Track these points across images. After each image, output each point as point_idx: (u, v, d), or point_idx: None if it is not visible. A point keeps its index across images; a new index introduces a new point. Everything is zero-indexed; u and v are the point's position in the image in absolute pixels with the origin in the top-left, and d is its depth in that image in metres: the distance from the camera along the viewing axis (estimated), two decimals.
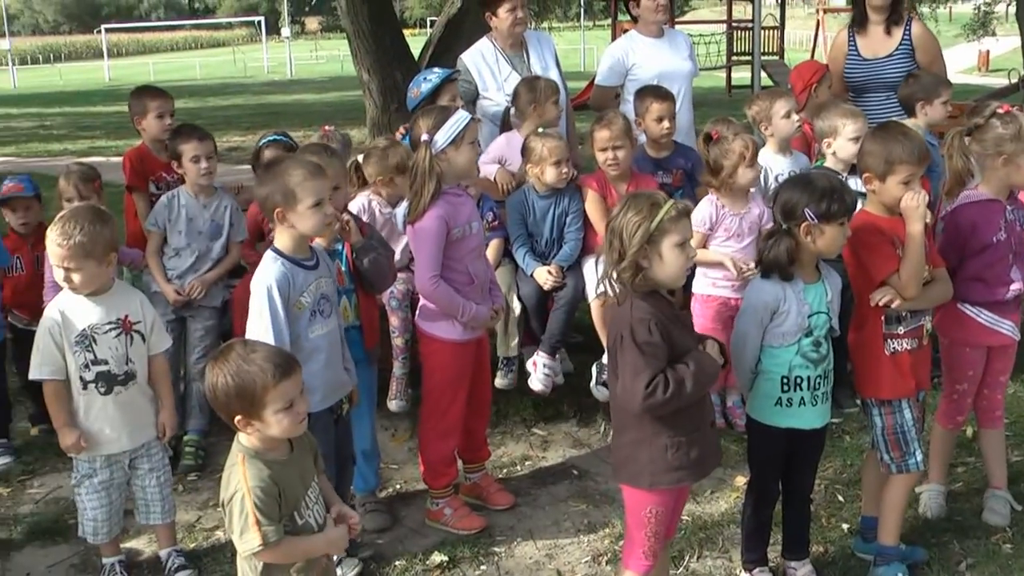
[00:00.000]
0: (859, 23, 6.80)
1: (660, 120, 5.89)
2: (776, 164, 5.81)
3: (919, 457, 4.09)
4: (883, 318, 3.98)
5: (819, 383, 3.90)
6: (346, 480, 4.44)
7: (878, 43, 6.69)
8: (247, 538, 3.04)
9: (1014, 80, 11.25)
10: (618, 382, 3.45)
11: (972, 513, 4.66)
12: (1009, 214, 4.37)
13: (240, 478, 3.06)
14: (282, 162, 3.96)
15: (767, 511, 4.15)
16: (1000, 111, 4.34)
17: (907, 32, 6.63)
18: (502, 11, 6.42)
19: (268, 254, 3.92)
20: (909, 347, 4.03)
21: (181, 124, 6.04)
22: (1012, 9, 19.30)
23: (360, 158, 5.45)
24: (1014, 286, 4.37)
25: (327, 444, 4.01)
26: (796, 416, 3.92)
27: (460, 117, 4.47)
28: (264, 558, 3.11)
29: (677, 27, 7.23)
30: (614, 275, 3.44)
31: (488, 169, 5.97)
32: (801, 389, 3.89)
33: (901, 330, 4.00)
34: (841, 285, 4.03)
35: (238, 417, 3.07)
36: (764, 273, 3.88)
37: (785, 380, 3.88)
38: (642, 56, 6.74)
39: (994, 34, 27.76)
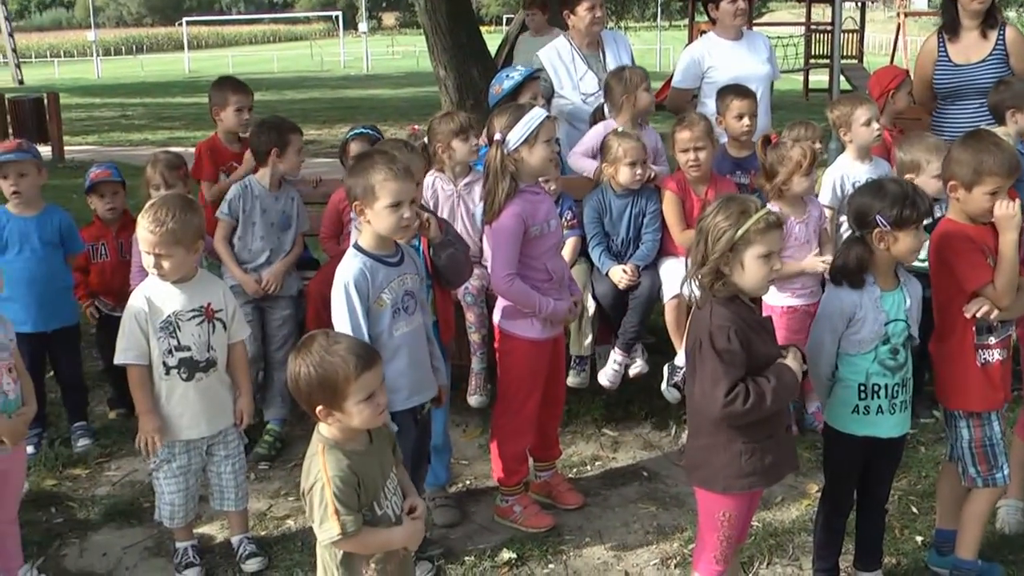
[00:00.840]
0: (950, 28, 6.64)
1: (740, 117, 5.87)
2: (854, 171, 5.72)
3: (1006, 471, 4.01)
4: (974, 328, 3.89)
5: (897, 391, 3.82)
6: (420, 478, 4.42)
7: (971, 48, 6.55)
8: (326, 527, 3.08)
9: None
10: (696, 387, 3.44)
11: None
12: None
13: (320, 468, 3.10)
14: (371, 157, 3.95)
15: (840, 520, 4.08)
16: None
17: (1001, 37, 6.49)
18: (581, 9, 6.43)
19: (350, 250, 3.96)
20: (1000, 357, 3.95)
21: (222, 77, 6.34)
22: None
23: (426, 139, 5.45)
24: None
25: (406, 445, 4.02)
26: (874, 424, 3.85)
27: (534, 116, 4.44)
28: (343, 547, 3.15)
29: (755, 29, 7.17)
30: (696, 277, 3.44)
31: (582, 163, 5.97)
32: (879, 397, 3.81)
33: (992, 340, 3.92)
34: (921, 293, 3.95)
35: (319, 407, 3.11)
36: (835, 280, 3.82)
37: (862, 388, 3.82)
38: (719, 58, 6.71)
39: None
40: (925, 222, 5.05)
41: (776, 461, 3.54)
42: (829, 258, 5.15)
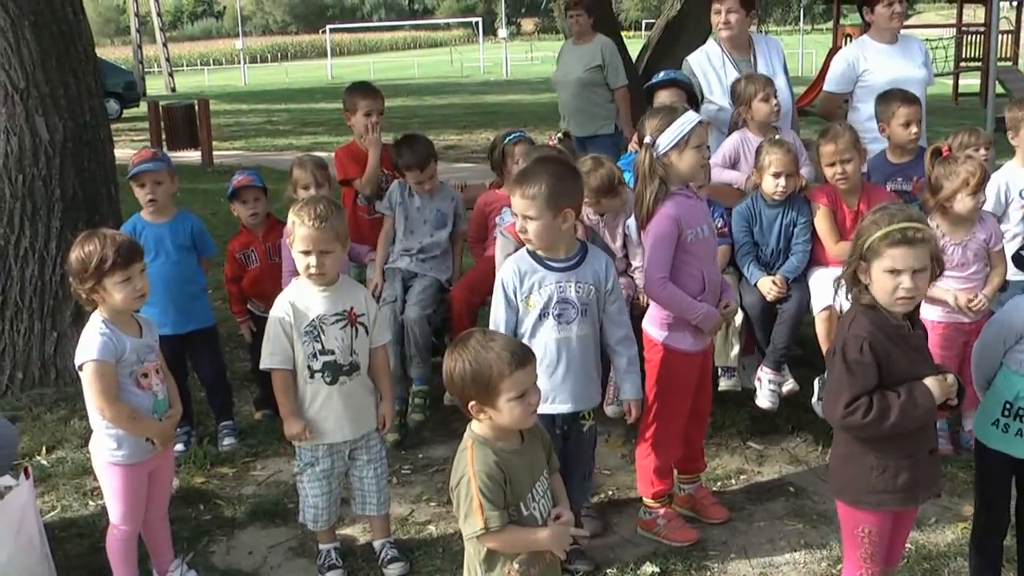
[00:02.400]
0: None
1: (907, 125, 5.68)
2: (1020, 178, 5.49)
3: None
4: None
5: None
6: (578, 494, 4.41)
7: None
8: (470, 522, 3.08)
9: None
10: (826, 393, 3.42)
11: None
12: None
13: (467, 463, 3.10)
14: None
15: (993, 541, 3.90)
16: None
17: None
18: (880, 6, 6.46)
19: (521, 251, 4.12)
20: None
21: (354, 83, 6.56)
22: None
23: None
24: None
25: None
26: (1010, 444, 3.69)
27: (686, 120, 4.35)
28: (486, 543, 3.13)
29: (903, 31, 6.94)
30: (843, 281, 3.42)
31: (720, 174, 5.87)
32: (1021, 421, 3.63)
33: None
34: None
35: (472, 403, 3.11)
36: None
37: (1008, 406, 3.66)
38: (874, 63, 6.51)
39: None
40: None
41: (913, 481, 3.41)
42: (972, 296, 5.01)
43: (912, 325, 3.41)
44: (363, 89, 6.43)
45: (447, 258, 6.04)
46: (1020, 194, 5.50)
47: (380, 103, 6.34)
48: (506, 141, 5.87)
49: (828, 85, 6.88)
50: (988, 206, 5.34)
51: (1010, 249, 5.38)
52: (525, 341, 3.97)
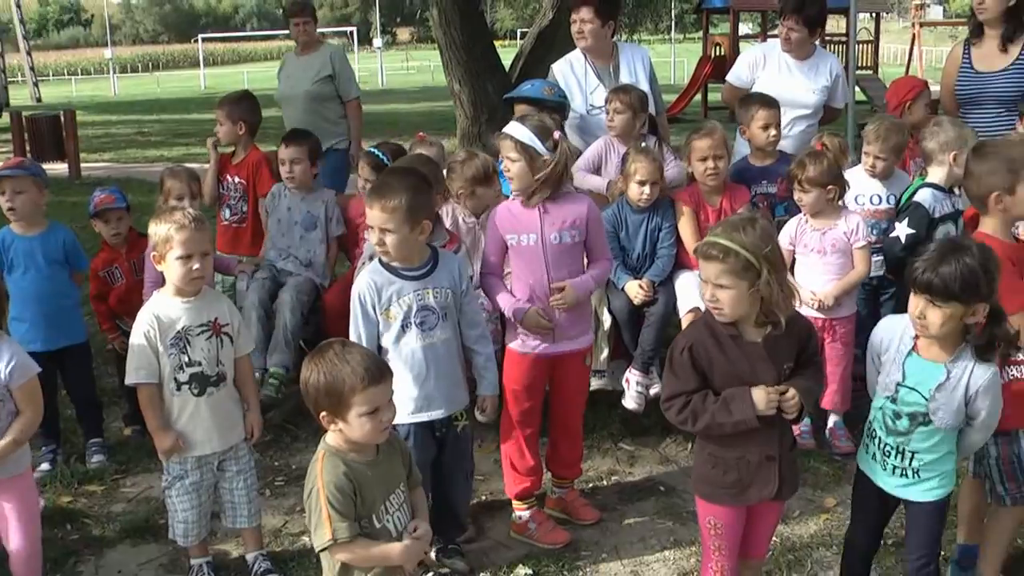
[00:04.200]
0: (975, 35, 6.64)
1: (766, 127, 5.84)
2: (865, 185, 5.71)
3: None
4: None
5: (889, 452, 3.60)
6: (463, 495, 4.53)
7: (994, 56, 6.52)
8: (319, 533, 3.10)
9: None
10: None
11: None
12: None
13: (317, 474, 3.13)
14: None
15: (854, 555, 3.92)
16: None
17: None
18: (780, 23, 6.64)
19: (374, 261, 4.11)
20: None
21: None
22: None
23: (445, 172, 5.50)
24: None
25: (420, 459, 4.03)
26: (868, 465, 3.73)
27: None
28: (336, 555, 3.15)
29: (769, 41, 7.09)
30: None
31: (586, 180, 5.96)
32: (874, 444, 3.68)
33: (1021, 356, 3.78)
34: (990, 383, 3.44)
35: (323, 413, 3.13)
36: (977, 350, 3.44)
37: (869, 424, 3.72)
38: (770, 72, 6.70)
39: None
40: (944, 212, 5.01)
41: (741, 482, 3.52)
42: (815, 296, 5.26)
43: (786, 326, 3.40)
44: (223, 99, 6.66)
45: (322, 262, 6.05)
46: (856, 199, 5.72)
47: (238, 111, 6.51)
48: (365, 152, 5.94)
49: (730, 77, 7.06)
50: None
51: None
52: (390, 353, 4.03)
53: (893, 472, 3.60)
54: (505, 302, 4.54)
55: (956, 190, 5.28)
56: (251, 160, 6.45)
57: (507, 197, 4.89)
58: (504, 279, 4.64)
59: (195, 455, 4.19)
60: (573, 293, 4.48)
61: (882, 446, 3.62)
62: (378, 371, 3.15)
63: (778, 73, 6.65)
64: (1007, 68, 6.43)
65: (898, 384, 3.52)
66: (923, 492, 3.59)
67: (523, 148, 4.34)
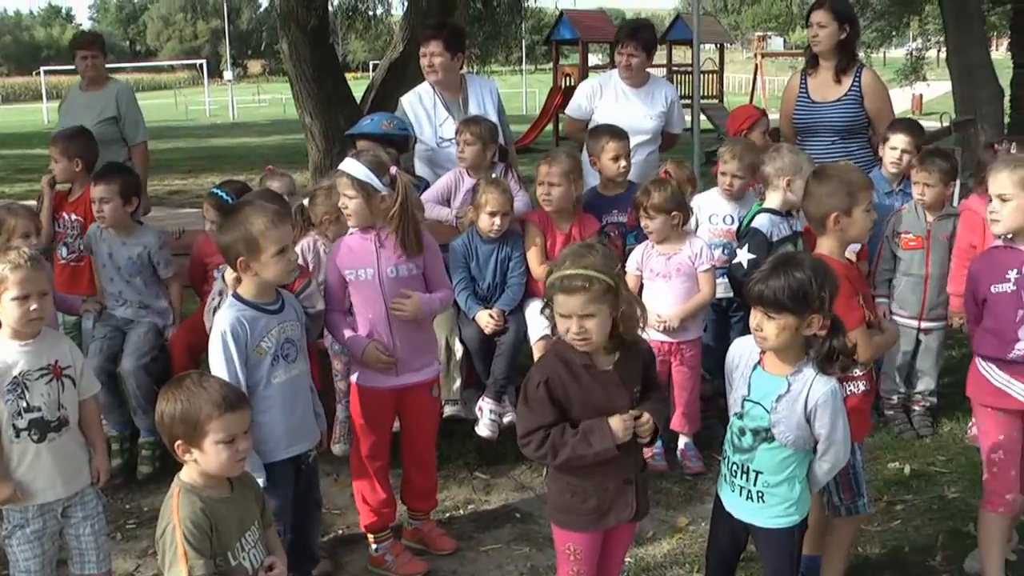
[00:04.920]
0: (811, 66, 6.90)
1: (616, 159, 5.95)
2: (717, 206, 5.91)
3: (867, 499, 4.10)
4: None
5: (736, 471, 3.65)
6: (315, 527, 4.46)
7: (828, 87, 6.78)
8: (174, 571, 3.03)
9: (945, 123, 11.47)
10: None
11: (914, 551, 4.70)
12: None
13: (172, 511, 3.07)
14: (243, 210, 3.96)
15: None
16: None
17: (857, 79, 6.72)
18: (616, 52, 6.81)
19: (229, 299, 4.00)
20: (864, 389, 4.00)
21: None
22: (943, 55, 19.81)
23: (305, 201, 5.47)
24: (1019, 345, 4.06)
25: (285, 495, 4.01)
26: (721, 488, 3.78)
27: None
28: None
29: (605, 72, 7.28)
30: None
31: (435, 211, 6.00)
32: (725, 464, 3.74)
33: (858, 372, 3.94)
34: (830, 401, 3.48)
35: (178, 442, 3.08)
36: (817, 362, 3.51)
37: (723, 446, 3.78)
38: (607, 101, 6.85)
39: (925, 79, 28.43)
40: (783, 235, 5.21)
41: (601, 507, 3.56)
42: (660, 318, 5.37)
43: (629, 351, 3.52)
44: (57, 135, 6.56)
45: (162, 303, 5.90)
46: (710, 219, 5.91)
47: (74, 147, 6.40)
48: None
49: (569, 110, 7.20)
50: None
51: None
52: (261, 390, 3.97)
53: (740, 493, 3.64)
54: (346, 337, 4.53)
55: (795, 212, 5.48)
56: (88, 197, 6.27)
57: None
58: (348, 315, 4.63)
59: (38, 503, 4.04)
60: (416, 304, 4.47)
61: (731, 465, 3.67)
62: (235, 399, 3.14)
63: (615, 102, 6.82)
64: (840, 99, 6.71)
65: (744, 399, 3.59)
66: (769, 519, 3.62)
67: (360, 185, 4.35)
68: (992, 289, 4.13)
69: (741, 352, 3.70)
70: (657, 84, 7.07)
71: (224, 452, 3.08)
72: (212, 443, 3.07)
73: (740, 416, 3.61)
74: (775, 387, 3.51)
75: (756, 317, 3.49)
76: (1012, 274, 4.07)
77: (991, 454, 4.21)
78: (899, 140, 6.21)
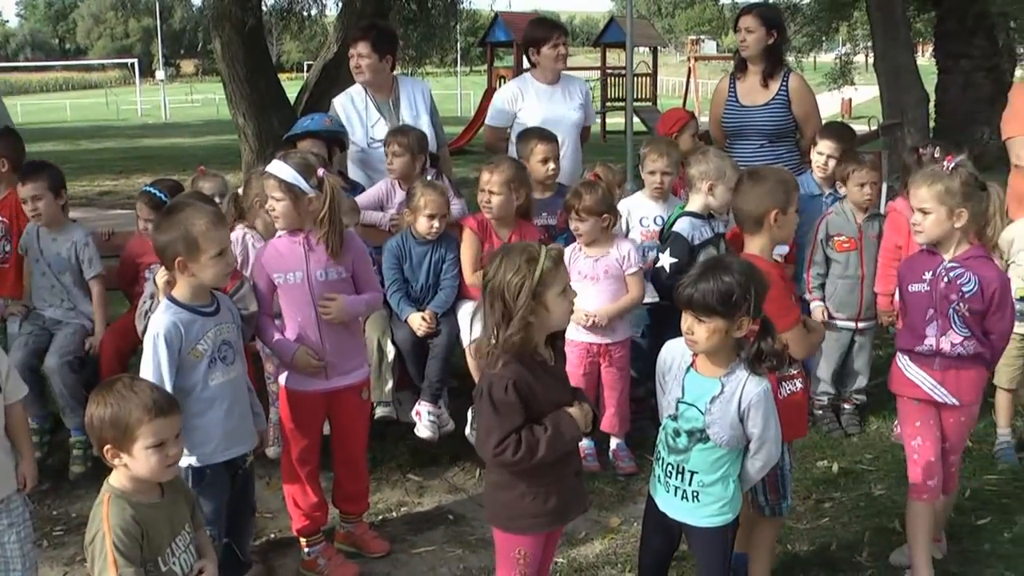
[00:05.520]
0: (740, 70, 7.00)
1: (545, 161, 6.00)
2: (646, 208, 5.97)
3: (790, 500, 4.18)
4: None
5: (671, 472, 3.69)
6: (248, 531, 4.43)
7: (756, 92, 6.88)
8: None
9: (874, 127, 11.70)
10: (477, 432, 3.49)
11: (841, 548, 4.77)
12: (941, 269, 4.22)
13: (102, 517, 3.05)
14: (184, 210, 3.93)
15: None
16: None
17: (784, 84, 6.82)
18: (546, 48, 6.79)
19: (163, 302, 3.96)
20: (802, 386, 4.06)
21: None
22: (871, 60, 20.19)
23: (240, 189, 5.44)
24: (927, 341, 4.26)
25: (220, 499, 3.98)
26: (655, 488, 3.82)
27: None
28: None
29: (520, 76, 7.35)
30: (502, 336, 3.38)
31: (368, 216, 5.99)
32: (659, 465, 3.77)
33: (793, 371, 4.01)
34: (762, 401, 3.55)
35: (107, 447, 3.07)
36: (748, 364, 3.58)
37: (656, 447, 3.82)
38: (531, 101, 6.86)
39: (853, 83, 28.87)
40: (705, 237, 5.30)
41: (562, 504, 3.57)
42: (589, 314, 5.40)
43: (556, 347, 3.57)
44: None
45: (90, 307, 5.82)
46: (640, 221, 5.97)
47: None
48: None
49: (488, 119, 7.18)
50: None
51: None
52: (198, 392, 3.93)
53: (675, 494, 3.68)
54: (274, 341, 4.52)
55: (716, 215, 5.56)
56: (13, 198, 6.16)
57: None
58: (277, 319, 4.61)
59: None
60: (340, 306, 4.46)
61: (665, 466, 3.71)
62: (166, 404, 3.12)
63: (538, 100, 6.87)
64: (768, 103, 6.81)
65: (678, 400, 3.63)
66: (703, 518, 3.66)
67: (287, 187, 4.34)
68: (910, 288, 4.31)
69: (673, 355, 3.74)
70: (569, 79, 7.20)
71: (153, 457, 3.06)
72: (142, 448, 3.05)
73: (675, 418, 3.65)
74: (709, 389, 3.57)
75: (687, 321, 3.54)
76: (927, 275, 4.25)
77: (911, 442, 4.36)
78: (825, 146, 6.34)
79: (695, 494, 3.65)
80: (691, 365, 3.65)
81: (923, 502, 4.32)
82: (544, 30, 6.88)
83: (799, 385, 4.05)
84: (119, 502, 3.08)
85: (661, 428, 3.75)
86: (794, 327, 3.96)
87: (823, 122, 6.92)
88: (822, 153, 6.33)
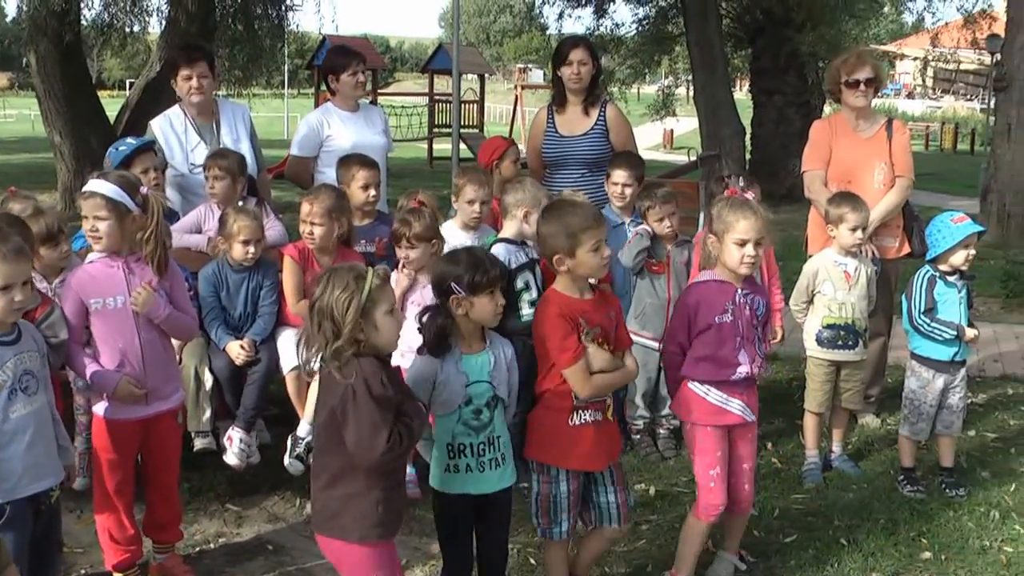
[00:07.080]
0: (558, 102, 7.09)
1: (366, 188, 6.00)
2: (457, 237, 6.01)
3: (564, 527, 4.23)
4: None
5: (484, 450, 3.96)
6: (54, 569, 4.22)
7: (575, 122, 6.99)
8: None
9: (693, 158, 12.10)
10: (352, 437, 3.41)
11: (657, 569, 4.85)
12: (739, 297, 4.42)
13: None
14: None
15: None
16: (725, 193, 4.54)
17: (602, 114, 6.96)
18: (345, 75, 6.78)
19: None
20: (593, 419, 4.14)
21: None
22: (691, 93, 20.91)
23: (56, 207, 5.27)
24: (741, 368, 4.41)
25: (23, 536, 3.80)
26: (465, 482, 3.97)
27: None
28: None
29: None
30: (330, 353, 3.41)
31: (186, 239, 5.88)
32: (465, 456, 3.94)
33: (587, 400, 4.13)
34: (514, 353, 4.11)
35: None
36: (419, 351, 3.94)
37: (450, 447, 3.95)
38: (337, 128, 6.82)
39: (675, 114, 29.70)
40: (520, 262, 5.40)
41: (398, 511, 3.70)
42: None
43: None
44: None
45: None
46: None
47: None
48: None
49: (293, 149, 7.07)
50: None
51: None
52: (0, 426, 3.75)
53: (493, 467, 3.98)
54: (90, 374, 4.37)
55: (529, 242, 5.65)
56: None
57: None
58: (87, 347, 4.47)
59: None
60: (149, 295, 4.36)
61: (475, 451, 3.95)
62: None
63: (344, 127, 6.87)
64: (587, 132, 6.95)
65: (464, 386, 3.90)
66: (509, 476, 4.07)
67: (113, 205, 4.24)
68: (716, 319, 4.42)
69: (427, 366, 3.92)
70: (368, 107, 7.27)
71: None
72: None
73: (469, 402, 3.92)
74: (484, 362, 3.96)
75: None
76: (729, 306, 4.43)
77: (709, 471, 4.47)
78: (619, 175, 6.46)
79: (503, 456, 4.02)
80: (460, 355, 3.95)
81: (708, 522, 4.55)
82: (344, 57, 6.86)
83: (589, 417, 4.14)
84: None
85: (448, 430, 3.94)
86: (572, 365, 4.04)
87: (637, 152, 7.09)
88: (616, 183, 6.46)
